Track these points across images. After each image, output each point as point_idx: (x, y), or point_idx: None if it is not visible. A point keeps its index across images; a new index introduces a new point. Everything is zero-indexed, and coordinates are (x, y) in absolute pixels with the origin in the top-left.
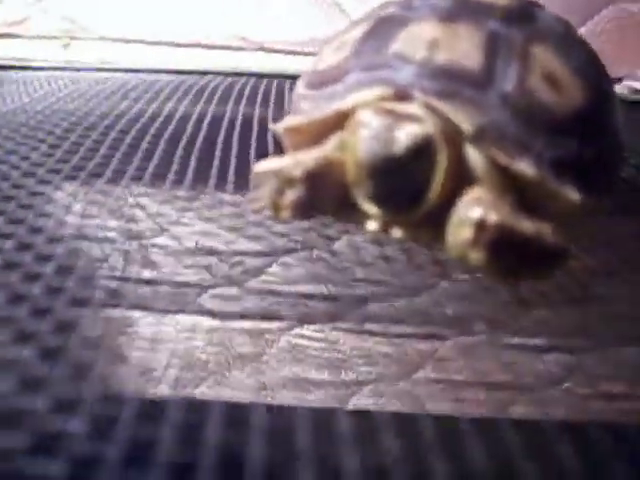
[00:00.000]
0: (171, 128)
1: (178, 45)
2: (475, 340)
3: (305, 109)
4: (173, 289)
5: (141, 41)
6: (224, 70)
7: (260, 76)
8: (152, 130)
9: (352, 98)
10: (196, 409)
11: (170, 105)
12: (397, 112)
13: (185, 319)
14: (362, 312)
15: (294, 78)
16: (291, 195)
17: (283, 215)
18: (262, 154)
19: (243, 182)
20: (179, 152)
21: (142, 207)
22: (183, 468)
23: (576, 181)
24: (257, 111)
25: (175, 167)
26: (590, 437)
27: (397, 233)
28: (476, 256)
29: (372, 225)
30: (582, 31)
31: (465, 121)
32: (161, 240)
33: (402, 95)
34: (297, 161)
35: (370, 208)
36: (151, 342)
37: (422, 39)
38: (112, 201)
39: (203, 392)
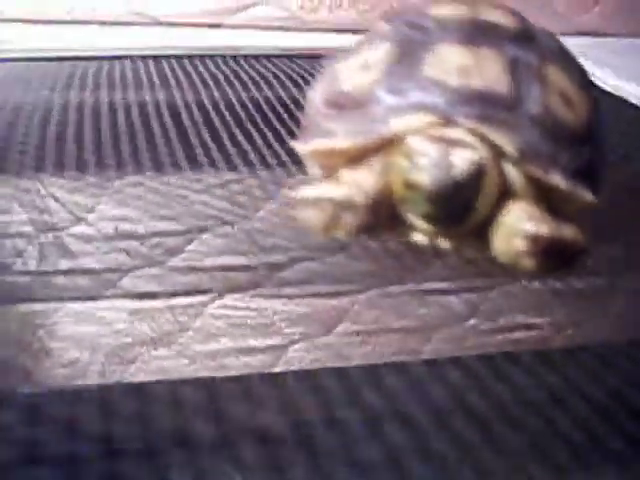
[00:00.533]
0: (76, 117)
1: (62, 22)
2: (386, 291)
3: (336, 130)
4: (92, 276)
5: (26, 20)
6: (121, 51)
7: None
8: (56, 120)
9: (399, 124)
10: (122, 394)
11: (73, 93)
12: (447, 138)
13: (106, 304)
14: (280, 277)
15: (192, 57)
16: (352, 219)
17: (339, 236)
18: (166, 137)
19: (153, 164)
20: (87, 139)
21: (55, 197)
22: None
23: (588, 184)
24: (162, 96)
25: (84, 154)
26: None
27: (443, 244)
28: (527, 263)
29: (419, 237)
30: None
31: (508, 144)
32: (77, 229)
33: (447, 121)
34: (357, 187)
35: (421, 224)
36: (72, 332)
37: (452, 65)
38: (23, 194)
39: (131, 375)
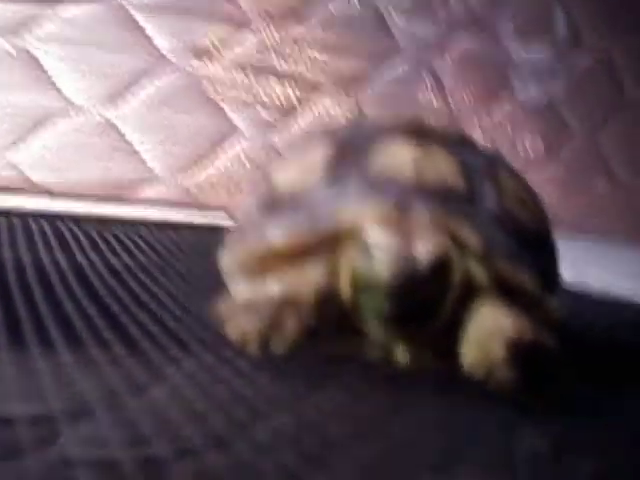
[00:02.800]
0: None
1: None
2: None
3: (273, 232)
4: None
5: None
6: None
7: None
8: None
9: (349, 214)
10: None
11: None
12: (406, 229)
13: None
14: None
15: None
16: (294, 324)
17: (279, 347)
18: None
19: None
20: None
21: None
22: None
23: (550, 288)
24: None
25: None
26: None
27: (403, 358)
28: (506, 375)
29: (375, 352)
30: None
31: (472, 238)
32: None
33: (404, 212)
34: (301, 284)
35: (376, 331)
36: None
37: (402, 160)
38: None
39: None
